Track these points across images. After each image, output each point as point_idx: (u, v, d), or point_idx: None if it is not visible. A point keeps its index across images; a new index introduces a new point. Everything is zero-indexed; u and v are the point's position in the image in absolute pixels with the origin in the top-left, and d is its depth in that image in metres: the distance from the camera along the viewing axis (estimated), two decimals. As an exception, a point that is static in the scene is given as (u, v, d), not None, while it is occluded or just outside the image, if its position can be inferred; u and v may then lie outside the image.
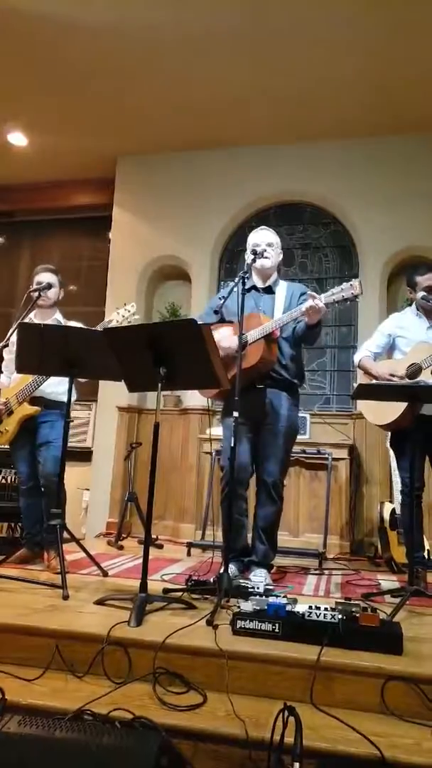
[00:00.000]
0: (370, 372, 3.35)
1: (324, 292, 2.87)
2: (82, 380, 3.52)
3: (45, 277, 3.47)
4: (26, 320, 3.49)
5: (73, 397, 3.51)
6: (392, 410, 3.23)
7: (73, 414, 3.51)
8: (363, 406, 3.51)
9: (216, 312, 2.87)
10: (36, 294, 3.34)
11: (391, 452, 4.13)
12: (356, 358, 3.50)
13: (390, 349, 3.47)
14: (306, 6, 4.01)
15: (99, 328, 3.28)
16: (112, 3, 4.08)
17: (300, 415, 4.75)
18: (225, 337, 3.03)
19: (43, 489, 3.36)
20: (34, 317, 3.54)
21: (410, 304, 3.58)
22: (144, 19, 4.19)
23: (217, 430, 3.76)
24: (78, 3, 4.09)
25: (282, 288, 3.22)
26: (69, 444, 3.09)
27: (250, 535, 3.16)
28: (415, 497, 3.14)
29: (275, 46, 4.39)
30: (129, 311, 3.35)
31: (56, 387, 3.29)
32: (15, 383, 3.36)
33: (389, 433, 4.19)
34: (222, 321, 2.92)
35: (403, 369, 3.23)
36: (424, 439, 3.06)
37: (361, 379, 3.47)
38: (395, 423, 3.28)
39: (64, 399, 3.08)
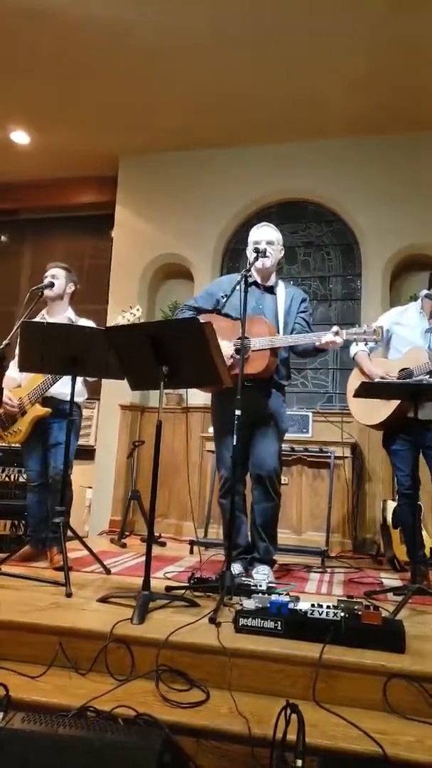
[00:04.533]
0: (363, 369, 3.36)
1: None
2: (91, 379, 3.53)
3: (51, 271, 3.51)
4: (38, 317, 3.51)
5: (84, 397, 3.53)
6: (383, 410, 3.25)
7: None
8: (353, 406, 3.48)
9: (217, 311, 2.87)
10: (38, 291, 3.36)
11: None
12: (352, 350, 3.50)
13: (386, 343, 3.47)
14: (308, 4, 4.01)
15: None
16: (115, 2, 4.08)
17: (302, 413, 4.81)
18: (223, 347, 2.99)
19: (51, 488, 3.37)
20: (46, 314, 3.55)
21: (414, 299, 3.59)
22: (147, 18, 4.18)
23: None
24: (81, 2, 4.08)
25: (281, 290, 3.24)
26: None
27: (249, 532, 3.17)
28: (409, 495, 3.16)
29: (278, 45, 4.38)
30: (134, 314, 3.35)
31: (66, 388, 3.26)
32: (27, 383, 3.36)
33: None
34: (218, 313, 2.92)
35: (395, 371, 3.25)
36: (418, 439, 3.07)
37: (355, 372, 3.47)
38: (383, 424, 3.30)
39: (76, 400, 3.10)
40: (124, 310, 3.37)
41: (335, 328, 2.87)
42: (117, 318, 3.34)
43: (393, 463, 3.40)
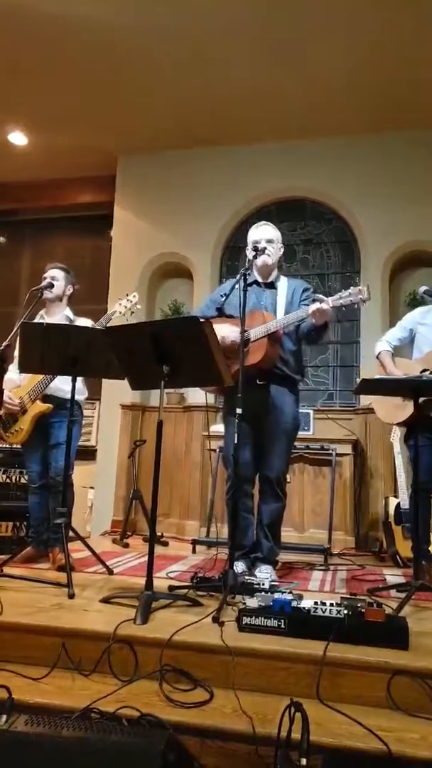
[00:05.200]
0: (385, 368, 3.39)
1: (329, 294, 2.89)
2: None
3: (50, 272, 3.50)
4: (36, 318, 3.50)
5: (84, 396, 3.52)
6: (404, 410, 3.25)
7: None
8: (376, 406, 3.53)
9: (218, 310, 2.87)
10: (38, 292, 3.36)
11: (396, 447, 4.15)
12: (376, 348, 3.52)
13: (410, 343, 3.50)
14: (306, 4, 3.99)
15: (103, 320, 3.30)
16: (113, 3, 4.07)
17: (303, 411, 4.79)
18: (227, 333, 3.01)
19: (51, 489, 3.37)
20: (45, 314, 3.55)
21: (414, 299, 3.59)
22: (145, 18, 4.18)
23: (220, 427, 3.77)
24: (78, 2, 4.08)
25: (283, 284, 3.22)
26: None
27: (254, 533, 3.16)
28: (424, 491, 3.16)
29: (275, 44, 4.37)
30: (131, 301, 3.37)
31: (66, 385, 3.25)
32: (26, 382, 3.36)
33: (394, 429, 4.21)
34: (222, 316, 2.91)
35: (416, 372, 3.25)
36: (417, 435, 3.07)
37: (378, 372, 3.49)
38: (405, 423, 3.31)
39: (77, 398, 3.09)
40: (121, 298, 3.39)
41: (319, 297, 2.85)
42: (114, 306, 3.36)
43: (411, 458, 3.42)
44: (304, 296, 3.18)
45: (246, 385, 2.69)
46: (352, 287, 2.84)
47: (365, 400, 4.85)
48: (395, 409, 3.35)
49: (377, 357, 3.49)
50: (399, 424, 3.42)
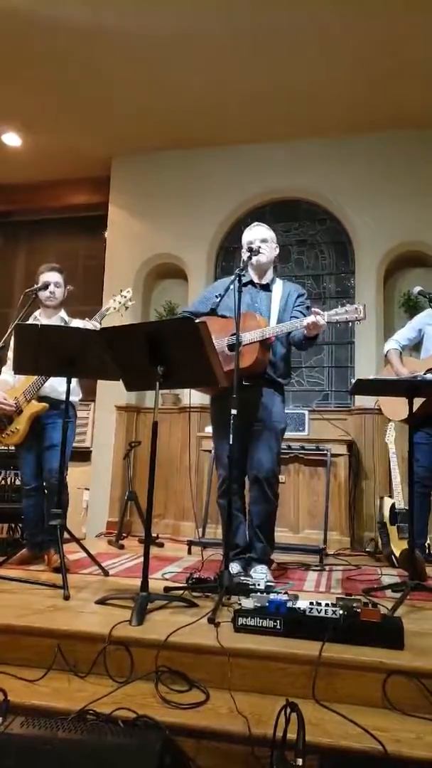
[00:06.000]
0: (393, 367, 3.43)
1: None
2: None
3: (51, 276, 3.44)
4: (31, 319, 3.49)
5: (78, 397, 3.52)
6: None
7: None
8: (382, 401, 3.57)
9: (212, 310, 2.87)
10: (33, 294, 3.34)
11: (391, 448, 4.17)
12: (385, 347, 3.57)
13: (418, 343, 3.54)
14: (302, 4, 4.00)
15: (97, 316, 3.30)
16: (107, 4, 4.06)
17: (299, 411, 4.81)
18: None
19: (46, 491, 3.35)
20: (39, 316, 3.53)
21: (408, 299, 3.61)
22: (139, 19, 4.17)
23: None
24: (73, 4, 4.07)
25: (279, 287, 3.22)
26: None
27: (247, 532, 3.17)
28: (424, 487, 3.19)
29: (270, 45, 4.37)
30: (125, 297, 3.37)
31: (61, 386, 3.24)
32: (21, 383, 3.34)
33: (389, 430, 4.22)
34: (214, 313, 2.91)
35: (422, 371, 3.27)
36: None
37: (386, 370, 3.51)
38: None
39: (71, 399, 3.08)
40: (115, 294, 3.39)
41: (315, 310, 2.87)
42: (109, 302, 3.37)
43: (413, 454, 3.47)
44: (298, 302, 3.19)
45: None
46: (348, 305, 2.87)
47: (361, 400, 4.87)
48: (400, 407, 3.37)
49: (386, 355, 3.53)
50: (404, 421, 3.44)
